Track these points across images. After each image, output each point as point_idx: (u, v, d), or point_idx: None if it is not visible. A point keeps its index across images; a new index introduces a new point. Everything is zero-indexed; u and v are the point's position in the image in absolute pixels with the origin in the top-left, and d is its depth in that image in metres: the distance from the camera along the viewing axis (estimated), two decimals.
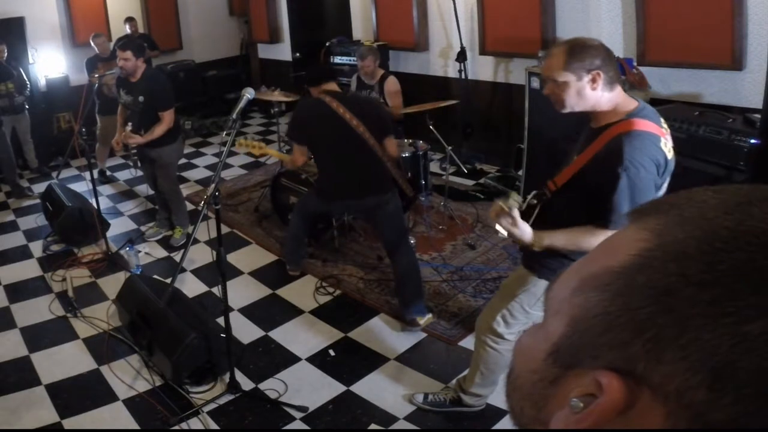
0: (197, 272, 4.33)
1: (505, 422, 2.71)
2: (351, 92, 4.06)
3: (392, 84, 4.90)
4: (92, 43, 6.05)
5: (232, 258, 4.30)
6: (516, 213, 2.00)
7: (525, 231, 2.02)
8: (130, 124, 4.48)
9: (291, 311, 3.78)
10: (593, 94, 1.95)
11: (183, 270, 4.16)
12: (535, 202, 2.20)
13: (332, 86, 3.57)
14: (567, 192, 2.09)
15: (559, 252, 2.13)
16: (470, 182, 5.64)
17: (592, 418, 0.37)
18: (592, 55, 1.94)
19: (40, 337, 3.59)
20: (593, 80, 1.94)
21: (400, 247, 3.55)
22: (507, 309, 2.42)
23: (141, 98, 4.33)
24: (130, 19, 6.94)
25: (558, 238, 2.03)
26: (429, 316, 3.52)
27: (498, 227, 2.05)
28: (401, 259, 3.53)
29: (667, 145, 1.95)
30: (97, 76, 5.03)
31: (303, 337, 3.51)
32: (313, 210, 3.93)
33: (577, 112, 2.06)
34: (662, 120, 2.01)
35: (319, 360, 3.28)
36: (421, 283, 3.59)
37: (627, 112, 1.96)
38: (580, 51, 1.95)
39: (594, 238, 1.96)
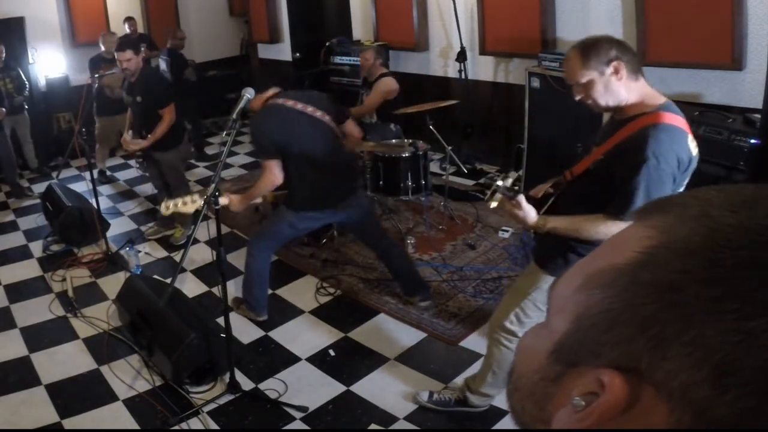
0: (197, 272, 4.33)
1: (506, 422, 2.71)
2: (293, 91, 3.53)
3: (383, 84, 4.92)
4: (101, 41, 6.00)
5: (232, 258, 4.30)
6: (521, 197, 2.00)
7: (529, 214, 2.02)
8: (130, 132, 4.51)
9: (291, 311, 3.78)
10: (620, 84, 1.95)
11: (183, 270, 4.16)
12: (552, 191, 2.20)
13: (272, 90, 3.32)
14: (583, 182, 2.08)
15: (574, 249, 2.13)
16: (470, 182, 5.64)
17: (594, 416, 0.37)
18: (605, 48, 1.94)
19: (40, 337, 3.59)
20: (616, 71, 1.93)
21: (388, 242, 3.63)
22: (520, 307, 2.41)
23: (139, 98, 4.34)
24: (129, 19, 6.94)
25: (562, 222, 2.03)
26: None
27: (492, 203, 2.08)
28: (394, 255, 3.62)
29: (693, 142, 1.95)
30: (96, 75, 5.03)
31: (303, 337, 3.50)
32: (290, 236, 3.64)
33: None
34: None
35: (319, 360, 3.28)
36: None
37: (657, 105, 1.96)
38: (592, 46, 1.96)
39: (599, 227, 1.96)
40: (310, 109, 3.23)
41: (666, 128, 1.88)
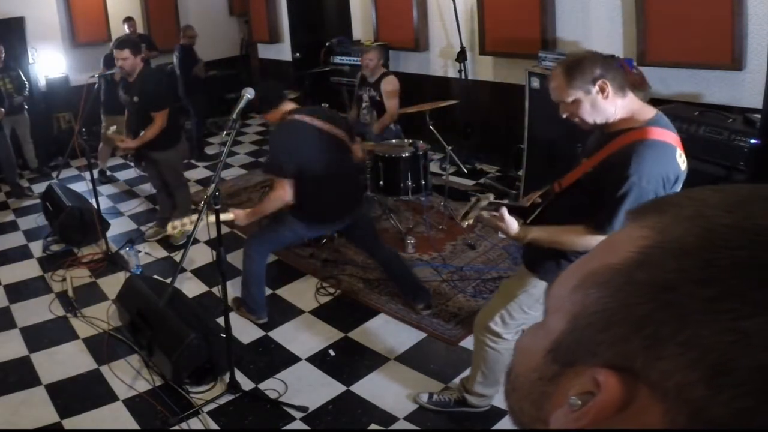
0: (197, 272, 4.33)
1: (506, 422, 2.71)
2: (310, 106, 3.66)
3: (389, 83, 4.91)
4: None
5: (232, 258, 4.30)
6: (503, 210, 2.07)
7: (510, 225, 2.07)
8: (113, 127, 4.54)
9: (291, 311, 3.78)
10: (607, 103, 1.94)
11: (183, 270, 4.16)
12: (540, 201, 2.21)
13: (290, 104, 3.38)
14: (571, 194, 2.09)
15: (564, 255, 2.13)
16: (470, 182, 5.64)
17: (590, 416, 0.37)
18: (589, 67, 1.93)
19: (40, 337, 3.59)
20: (602, 90, 1.92)
21: (384, 247, 3.66)
22: (506, 309, 2.41)
23: (136, 98, 4.34)
24: (129, 19, 6.94)
25: (543, 233, 2.07)
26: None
27: (465, 222, 2.17)
28: (393, 261, 3.64)
29: (681, 157, 1.93)
30: (96, 75, 5.03)
31: (303, 337, 3.51)
32: (291, 242, 3.77)
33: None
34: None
35: (319, 360, 3.28)
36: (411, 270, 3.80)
37: (646, 120, 1.94)
38: (577, 66, 1.95)
39: (580, 239, 1.97)
40: (327, 126, 3.29)
41: (652, 145, 1.86)
